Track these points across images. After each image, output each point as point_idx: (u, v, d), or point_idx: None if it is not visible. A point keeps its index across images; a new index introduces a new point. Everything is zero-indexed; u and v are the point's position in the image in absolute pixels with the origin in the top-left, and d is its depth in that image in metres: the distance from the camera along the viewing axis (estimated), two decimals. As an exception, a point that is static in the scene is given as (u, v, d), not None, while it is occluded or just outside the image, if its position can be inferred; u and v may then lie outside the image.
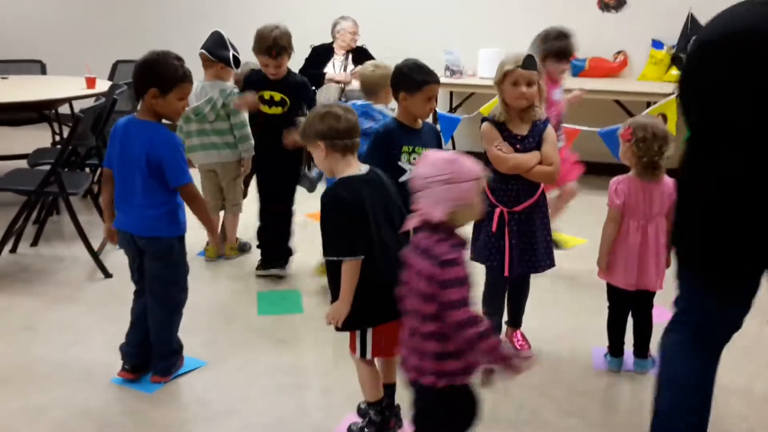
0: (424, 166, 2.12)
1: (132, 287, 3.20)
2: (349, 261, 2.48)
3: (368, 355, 2.65)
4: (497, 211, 3.19)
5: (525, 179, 3.20)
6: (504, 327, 3.52)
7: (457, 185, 2.06)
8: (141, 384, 3.15)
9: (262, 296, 4.06)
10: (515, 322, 3.52)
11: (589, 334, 3.60)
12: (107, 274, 4.29)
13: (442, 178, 2.06)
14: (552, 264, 3.31)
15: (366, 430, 2.77)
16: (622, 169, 3.21)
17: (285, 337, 3.63)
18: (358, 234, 2.49)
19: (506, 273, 3.21)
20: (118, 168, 3.00)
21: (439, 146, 3.35)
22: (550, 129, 3.25)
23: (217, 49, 4.43)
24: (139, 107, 3.05)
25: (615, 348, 3.33)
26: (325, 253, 2.57)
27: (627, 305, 3.29)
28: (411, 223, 2.15)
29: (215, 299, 4.03)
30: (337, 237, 2.51)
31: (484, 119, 3.25)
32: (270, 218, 4.35)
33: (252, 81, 4.26)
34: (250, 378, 3.25)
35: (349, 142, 2.60)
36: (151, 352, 3.16)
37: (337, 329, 2.62)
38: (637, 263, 3.15)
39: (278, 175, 4.27)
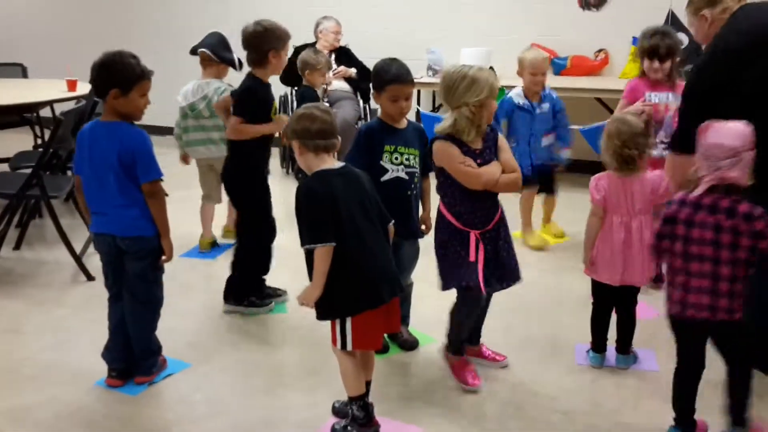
0: (726, 137, 2.44)
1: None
2: (320, 248, 2.57)
3: (349, 346, 2.68)
4: (471, 236, 2.99)
5: (489, 195, 3.03)
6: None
7: (752, 152, 2.45)
8: (126, 386, 3.14)
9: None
10: (477, 339, 3.38)
11: (572, 330, 3.63)
12: (90, 277, 4.28)
13: (748, 147, 2.43)
14: (519, 275, 3.18)
15: (349, 428, 2.78)
16: (603, 166, 3.24)
17: (270, 337, 3.63)
18: (328, 223, 2.58)
19: (483, 291, 3.03)
20: (90, 173, 2.98)
21: (424, 146, 3.31)
22: (500, 135, 3.15)
23: (221, 51, 4.56)
24: (102, 110, 3.04)
25: (598, 344, 3.36)
26: (301, 243, 2.63)
27: (611, 301, 3.31)
28: (700, 188, 2.49)
29: (199, 300, 4.02)
30: (309, 226, 2.61)
31: (437, 137, 2.98)
32: None
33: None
34: (235, 379, 3.25)
35: (321, 143, 2.69)
36: (134, 355, 3.16)
37: (319, 318, 2.69)
38: (622, 259, 3.17)
39: None
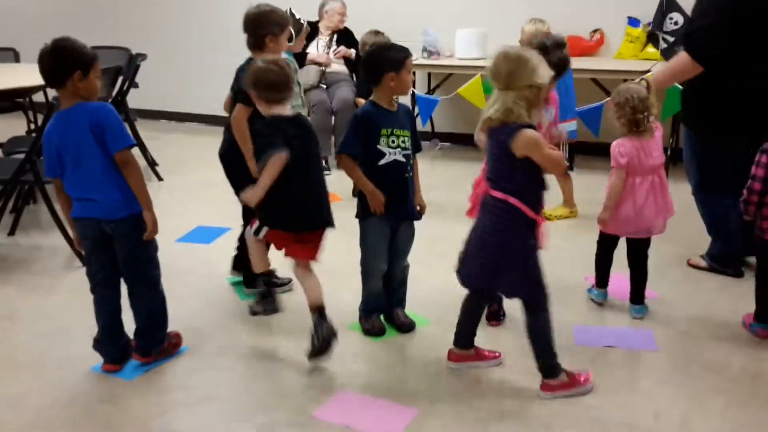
0: None
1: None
2: (273, 157, 3.00)
3: (260, 236, 3.19)
4: (542, 224, 2.87)
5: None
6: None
7: None
8: (122, 371, 3.14)
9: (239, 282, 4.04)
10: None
11: (569, 313, 3.63)
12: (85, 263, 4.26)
13: None
14: None
15: (256, 300, 3.42)
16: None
17: (266, 320, 3.62)
18: (279, 143, 3.02)
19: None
20: (69, 163, 2.93)
21: (414, 127, 3.36)
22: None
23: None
24: (58, 98, 2.99)
25: (602, 281, 3.73)
26: (258, 163, 3.11)
27: (615, 244, 3.68)
28: None
29: (196, 284, 4.02)
30: (263, 147, 3.07)
31: (521, 126, 2.73)
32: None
33: None
34: (231, 362, 3.25)
35: (273, 95, 3.13)
36: (127, 341, 3.16)
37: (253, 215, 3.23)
38: (645, 213, 3.48)
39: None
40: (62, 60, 2.89)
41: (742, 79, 3.63)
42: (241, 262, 3.89)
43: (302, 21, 5.05)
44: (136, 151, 3.48)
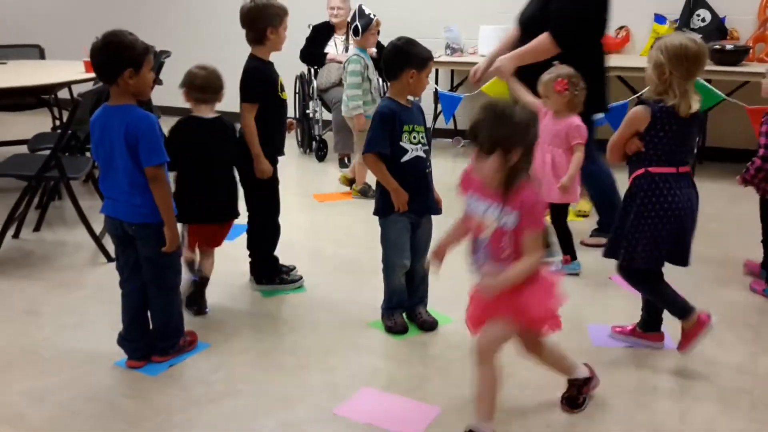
0: None
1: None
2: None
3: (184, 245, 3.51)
4: None
5: None
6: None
7: None
8: (146, 367, 3.15)
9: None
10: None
11: (588, 309, 3.60)
12: (110, 258, 4.28)
13: None
14: None
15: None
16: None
17: (288, 317, 3.63)
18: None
19: None
20: (102, 158, 2.96)
21: (425, 123, 3.39)
22: None
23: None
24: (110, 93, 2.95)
25: (570, 251, 4.11)
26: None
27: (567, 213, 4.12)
28: None
29: (218, 281, 4.02)
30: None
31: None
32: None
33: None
34: (253, 359, 3.25)
35: (196, 95, 3.52)
36: (153, 337, 3.17)
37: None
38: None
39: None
40: (112, 58, 2.84)
41: (591, 57, 4.22)
42: (255, 265, 3.94)
43: (372, 16, 5.14)
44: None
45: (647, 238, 3.00)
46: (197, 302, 3.63)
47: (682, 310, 3.09)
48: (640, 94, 3.12)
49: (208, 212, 3.59)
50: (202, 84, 3.51)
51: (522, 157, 2.36)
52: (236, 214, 3.69)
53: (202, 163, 3.50)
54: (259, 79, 3.62)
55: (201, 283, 3.67)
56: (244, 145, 3.64)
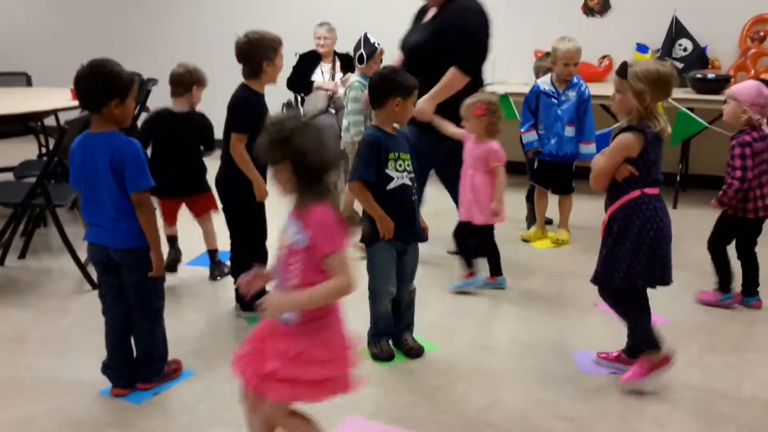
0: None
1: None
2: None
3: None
4: None
5: None
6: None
7: None
8: (131, 395, 3.13)
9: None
10: None
11: (575, 336, 3.61)
12: (94, 286, 4.26)
13: None
14: None
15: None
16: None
17: (274, 345, 3.61)
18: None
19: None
20: (84, 185, 2.95)
21: (411, 151, 3.40)
22: None
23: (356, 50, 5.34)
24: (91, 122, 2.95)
25: (497, 268, 4.30)
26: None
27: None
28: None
29: (204, 308, 4.02)
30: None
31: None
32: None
33: None
34: (238, 387, 3.23)
35: (173, 90, 4.24)
36: (137, 364, 3.16)
37: None
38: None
39: None
40: (100, 87, 2.84)
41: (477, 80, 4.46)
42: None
43: (377, 45, 5.21)
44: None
45: (647, 257, 3.05)
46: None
47: (657, 340, 3.14)
48: (624, 122, 3.16)
49: (175, 188, 4.32)
50: (174, 80, 4.26)
51: (307, 172, 2.24)
52: (203, 189, 4.38)
53: (170, 149, 4.26)
54: (250, 110, 3.62)
55: (176, 258, 4.47)
56: (230, 175, 3.65)
